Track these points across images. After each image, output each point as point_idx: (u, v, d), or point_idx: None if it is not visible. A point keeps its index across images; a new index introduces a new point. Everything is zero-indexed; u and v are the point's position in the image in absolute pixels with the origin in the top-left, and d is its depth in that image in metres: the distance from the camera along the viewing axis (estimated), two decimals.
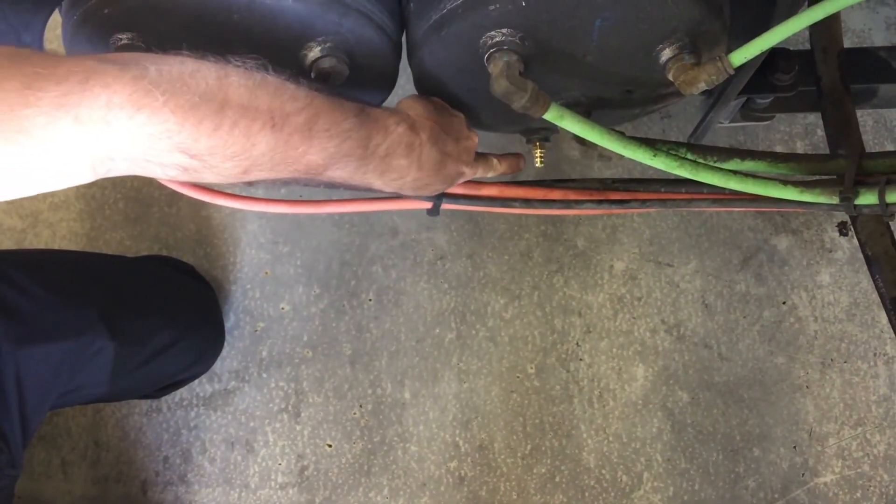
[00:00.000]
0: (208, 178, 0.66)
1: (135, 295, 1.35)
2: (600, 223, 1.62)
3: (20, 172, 0.58)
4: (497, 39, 0.81)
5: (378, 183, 0.80)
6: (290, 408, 1.55)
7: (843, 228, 1.63)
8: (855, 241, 1.01)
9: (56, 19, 0.85)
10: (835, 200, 0.93)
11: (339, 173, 0.75)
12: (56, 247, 1.60)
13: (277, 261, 1.59)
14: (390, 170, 0.79)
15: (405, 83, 0.98)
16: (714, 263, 1.61)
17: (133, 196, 1.60)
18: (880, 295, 0.95)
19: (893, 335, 0.99)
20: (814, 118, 1.66)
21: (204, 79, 0.62)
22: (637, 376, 1.57)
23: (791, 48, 1.08)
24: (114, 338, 1.22)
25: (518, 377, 1.56)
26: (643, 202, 0.99)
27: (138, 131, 0.58)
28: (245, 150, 0.64)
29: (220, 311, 1.56)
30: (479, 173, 0.95)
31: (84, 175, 0.61)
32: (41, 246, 1.61)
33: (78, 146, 0.58)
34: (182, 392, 1.54)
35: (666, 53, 0.85)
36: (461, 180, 0.92)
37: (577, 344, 1.58)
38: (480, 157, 0.95)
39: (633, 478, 1.54)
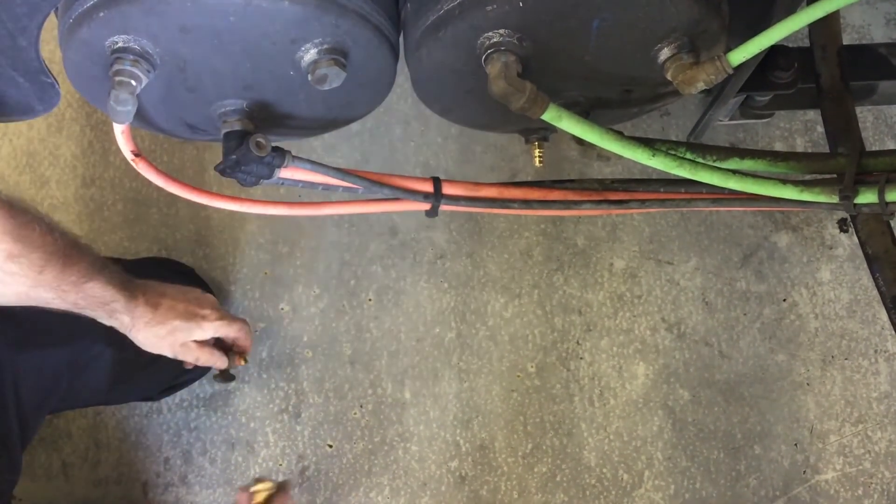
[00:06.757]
0: None
1: None
2: (600, 221, 1.61)
3: None
4: (495, 40, 0.81)
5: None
6: (290, 408, 1.55)
7: (843, 225, 1.63)
8: (856, 237, 1.01)
9: (52, 21, 0.85)
10: (834, 199, 0.93)
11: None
12: None
13: (277, 261, 1.59)
14: None
15: (403, 81, 0.97)
16: (714, 261, 1.61)
17: (132, 197, 1.60)
18: (881, 293, 0.95)
19: (894, 333, 0.99)
20: (814, 114, 1.65)
21: None
22: (638, 374, 1.57)
23: (790, 45, 1.07)
24: (112, 342, 1.19)
25: (518, 376, 1.56)
26: (642, 202, 0.98)
27: None
28: None
29: None
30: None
31: None
32: None
33: None
34: (182, 393, 1.53)
35: (664, 53, 0.84)
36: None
37: (578, 342, 1.58)
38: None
39: (634, 476, 1.54)
